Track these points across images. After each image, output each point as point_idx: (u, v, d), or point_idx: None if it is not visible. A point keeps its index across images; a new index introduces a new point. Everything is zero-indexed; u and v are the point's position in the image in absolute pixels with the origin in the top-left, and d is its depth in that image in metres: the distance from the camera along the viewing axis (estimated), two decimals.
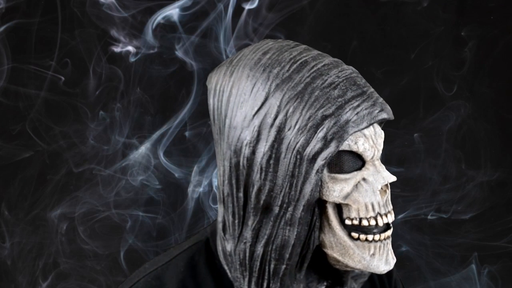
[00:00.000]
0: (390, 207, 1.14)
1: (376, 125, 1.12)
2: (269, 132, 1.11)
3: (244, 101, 1.11)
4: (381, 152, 1.13)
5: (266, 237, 1.13)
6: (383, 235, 1.13)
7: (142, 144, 2.36)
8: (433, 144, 2.34)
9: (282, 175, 1.11)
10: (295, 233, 1.13)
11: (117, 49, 2.31)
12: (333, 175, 1.11)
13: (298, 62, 1.13)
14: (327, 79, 1.11)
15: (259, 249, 1.14)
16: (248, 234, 1.14)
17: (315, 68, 1.12)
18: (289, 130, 1.11)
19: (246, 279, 1.16)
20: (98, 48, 2.32)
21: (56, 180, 2.38)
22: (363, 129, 1.10)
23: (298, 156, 1.10)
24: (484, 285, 2.32)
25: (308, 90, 1.10)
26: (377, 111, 1.10)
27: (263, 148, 1.11)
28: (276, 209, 1.12)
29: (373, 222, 1.12)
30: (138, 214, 2.36)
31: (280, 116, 1.10)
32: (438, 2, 2.32)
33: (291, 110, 1.11)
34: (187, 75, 2.29)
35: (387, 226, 1.14)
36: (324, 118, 1.09)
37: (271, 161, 1.11)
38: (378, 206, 1.12)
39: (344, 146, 1.10)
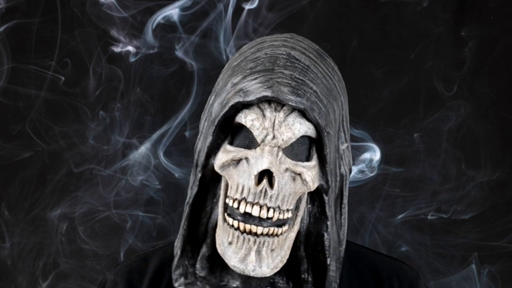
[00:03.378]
0: (267, 202, 1.04)
1: (292, 114, 1.06)
2: (208, 98, 1.16)
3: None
4: (283, 141, 1.05)
5: (188, 196, 1.15)
6: (243, 225, 1.05)
7: (142, 144, 2.36)
8: (433, 144, 2.34)
9: (203, 136, 1.13)
10: (193, 193, 1.12)
11: (117, 49, 2.31)
12: (226, 145, 1.09)
13: (259, 42, 1.15)
14: (256, 54, 1.11)
15: (185, 208, 1.16)
16: (188, 193, 1.15)
17: (260, 46, 1.13)
18: (214, 94, 1.14)
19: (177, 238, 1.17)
20: (98, 48, 2.32)
21: (56, 180, 2.38)
22: (248, 102, 1.05)
23: (210, 118, 1.12)
24: (484, 285, 2.32)
25: (240, 63, 1.12)
26: (264, 87, 1.05)
27: (205, 111, 1.16)
28: (196, 169, 1.13)
29: (235, 205, 1.05)
30: (138, 214, 2.36)
31: (216, 84, 1.16)
32: (438, 2, 2.32)
33: (220, 77, 1.15)
34: (187, 75, 2.29)
35: (257, 221, 1.04)
36: (232, 85, 1.09)
37: (205, 122, 1.14)
38: (247, 191, 1.04)
39: (238, 118, 1.08)
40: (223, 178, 1.10)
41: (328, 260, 1.12)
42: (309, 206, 1.12)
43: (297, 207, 1.09)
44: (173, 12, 2.25)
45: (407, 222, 2.35)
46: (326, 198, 1.11)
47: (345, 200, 1.17)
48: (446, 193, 2.34)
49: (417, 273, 1.29)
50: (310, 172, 1.07)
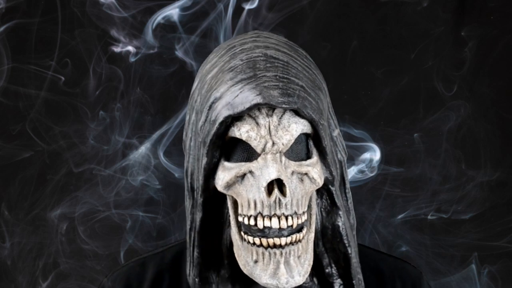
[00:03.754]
0: (284, 211, 1.00)
1: (285, 115, 1.02)
2: (189, 116, 1.11)
3: None
4: (283, 145, 1.02)
5: (189, 221, 1.10)
6: (266, 241, 1.00)
7: (142, 144, 2.36)
8: (433, 144, 2.34)
9: (193, 157, 1.09)
10: (199, 218, 1.07)
11: (117, 49, 2.31)
12: (225, 163, 1.04)
13: (227, 48, 1.09)
14: (231, 63, 1.05)
15: (191, 234, 1.10)
16: (188, 218, 1.11)
17: (231, 52, 1.07)
18: (194, 112, 1.09)
19: (188, 266, 1.12)
20: (98, 48, 2.32)
21: (56, 180, 2.38)
22: (239, 114, 1.01)
23: (199, 139, 1.08)
24: (484, 285, 2.32)
25: (216, 74, 1.06)
26: (254, 95, 1.00)
27: (187, 131, 1.12)
28: (194, 193, 1.09)
29: (252, 222, 1.01)
30: (138, 214, 2.36)
31: (192, 101, 1.10)
32: (438, 2, 2.32)
33: (196, 93, 1.10)
34: (187, 75, 2.29)
35: (278, 232, 1.01)
36: (214, 100, 1.04)
37: (191, 143, 1.11)
38: (261, 205, 1.00)
39: (230, 133, 1.03)
40: (228, 196, 1.06)
41: (349, 250, 1.10)
42: (318, 201, 1.10)
43: (309, 207, 1.07)
44: (173, 12, 2.25)
45: (407, 222, 2.35)
46: (333, 189, 1.09)
47: (348, 185, 1.15)
48: (446, 193, 2.34)
49: (419, 272, 1.28)
50: (315, 169, 1.05)
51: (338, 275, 1.12)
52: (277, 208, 1.00)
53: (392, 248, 2.36)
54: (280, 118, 1.03)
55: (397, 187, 2.33)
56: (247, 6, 2.22)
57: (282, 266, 1.01)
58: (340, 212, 1.10)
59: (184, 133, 1.15)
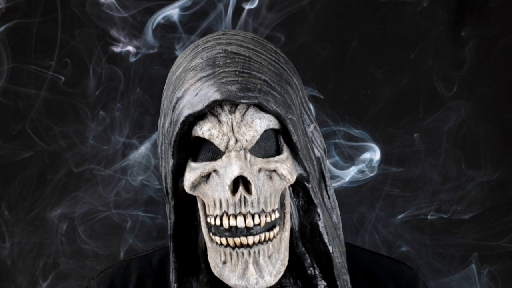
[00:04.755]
0: (250, 209, 0.97)
1: (248, 111, 0.99)
2: (159, 120, 1.11)
3: None
4: (247, 142, 0.99)
5: (168, 226, 1.09)
6: (232, 240, 0.97)
7: (142, 144, 2.36)
8: (433, 144, 2.34)
9: (164, 161, 1.08)
10: (171, 222, 1.05)
11: (117, 49, 2.31)
12: (191, 163, 1.02)
13: (192, 48, 1.07)
14: (192, 62, 1.03)
15: (170, 239, 1.09)
16: (168, 223, 1.10)
17: (194, 52, 1.05)
18: (162, 115, 1.09)
19: (170, 271, 1.10)
20: (98, 48, 2.32)
21: (56, 180, 2.38)
22: (199, 112, 0.99)
23: (166, 141, 1.07)
24: (484, 285, 2.32)
25: (179, 75, 1.04)
26: (212, 91, 0.97)
27: (159, 135, 1.11)
28: (167, 196, 1.07)
29: (218, 222, 0.98)
30: (138, 214, 2.36)
31: (161, 104, 1.10)
32: (438, 2, 2.32)
33: (163, 96, 1.10)
34: None
35: (246, 231, 0.97)
36: (177, 100, 1.02)
37: (162, 147, 1.10)
38: (226, 204, 0.97)
39: (194, 132, 1.01)
40: (198, 198, 1.04)
41: (330, 248, 1.06)
42: (294, 200, 1.06)
43: (282, 205, 1.03)
44: (173, 12, 2.25)
45: (407, 222, 2.35)
46: (309, 185, 1.05)
47: (328, 182, 1.10)
48: (446, 193, 2.34)
49: (415, 274, 1.25)
50: (284, 165, 1.01)
51: (322, 276, 1.08)
52: (243, 206, 0.97)
53: (392, 248, 2.36)
54: (243, 115, 1.00)
55: (397, 187, 2.33)
56: (247, 6, 2.22)
57: (251, 266, 0.97)
58: (319, 210, 1.05)
59: (157, 137, 1.13)
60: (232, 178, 0.97)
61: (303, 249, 1.07)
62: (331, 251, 1.06)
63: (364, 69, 2.36)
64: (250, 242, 0.98)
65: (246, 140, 0.99)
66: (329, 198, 1.11)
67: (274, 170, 1.01)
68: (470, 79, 2.34)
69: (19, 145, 2.37)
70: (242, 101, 0.98)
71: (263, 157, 1.01)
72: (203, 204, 1.04)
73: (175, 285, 1.08)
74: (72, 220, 2.37)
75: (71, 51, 2.33)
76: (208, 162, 1.01)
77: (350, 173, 2.25)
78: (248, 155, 0.99)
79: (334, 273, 1.06)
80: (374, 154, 2.28)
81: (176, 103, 1.03)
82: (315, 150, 1.09)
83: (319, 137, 1.11)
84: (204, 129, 1.00)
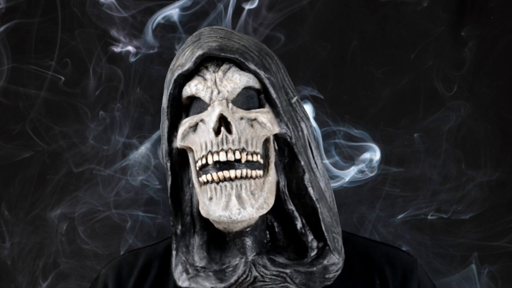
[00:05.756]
0: (231, 146, 1.06)
1: (230, 70, 1.11)
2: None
3: None
4: (228, 92, 1.10)
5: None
6: (216, 175, 1.06)
7: (142, 144, 2.36)
8: (433, 144, 2.34)
9: (162, 130, 1.21)
10: (169, 184, 1.16)
11: (117, 49, 2.31)
12: (182, 120, 1.15)
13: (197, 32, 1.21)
14: (185, 42, 1.18)
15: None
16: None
17: (197, 32, 1.20)
18: (163, 96, 1.22)
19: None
20: (98, 48, 2.32)
21: (56, 180, 2.38)
22: (187, 70, 1.12)
23: (164, 112, 1.20)
24: (484, 285, 2.32)
25: (176, 56, 1.20)
26: (196, 49, 1.11)
27: (161, 118, 1.23)
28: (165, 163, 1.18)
29: (204, 161, 1.07)
30: (138, 214, 2.36)
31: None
32: (438, 2, 2.32)
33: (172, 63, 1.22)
34: None
35: (228, 166, 1.06)
36: (170, 72, 1.17)
37: (162, 125, 1.21)
38: (210, 144, 1.07)
39: (184, 93, 1.14)
40: (189, 154, 1.14)
41: (316, 203, 1.12)
42: (280, 158, 1.14)
43: (267, 156, 1.12)
44: (173, 12, 2.25)
45: (407, 222, 2.35)
46: (292, 142, 1.13)
47: (315, 152, 1.18)
48: (446, 193, 2.34)
49: (413, 260, 1.26)
50: (264, 115, 1.11)
51: (313, 234, 1.14)
52: (225, 143, 1.06)
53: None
54: (225, 73, 1.12)
55: (397, 187, 2.33)
56: (247, 6, 2.22)
57: (233, 198, 1.05)
58: (303, 165, 1.13)
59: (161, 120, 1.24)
60: (215, 119, 1.07)
61: (292, 207, 1.14)
62: (317, 205, 1.13)
63: (364, 69, 2.36)
64: (232, 175, 1.06)
65: (227, 91, 1.11)
66: (316, 166, 1.18)
67: (255, 119, 1.11)
68: (470, 79, 2.34)
69: (19, 145, 2.37)
70: (222, 54, 1.11)
71: (246, 109, 1.13)
72: (194, 157, 1.13)
73: (173, 250, 1.17)
74: (72, 220, 2.37)
75: (71, 51, 2.33)
76: (196, 115, 1.13)
77: (350, 173, 2.25)
78: (230, 104, 1.11)
79: (322, 227, 1.12)
80: (374, 154, 2.28)
81: (170, 74, 1.18)
82: (299, 118, 1.18)
83: (303, 110, 1.21)
84: (192, 86, 1.12)
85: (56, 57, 2.32)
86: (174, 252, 1.18)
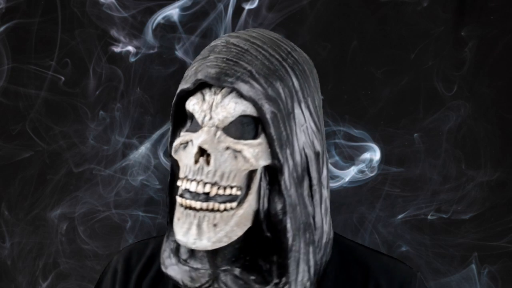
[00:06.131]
0: (203, 178, 1.08)
1: (229, 95, 1.10)
2: None
3: None
4: (219, 121, 1.10)
5: None
6: (184, 201, 1.09)
7: (142, 144, 2.36)
8: (433, 144, 2.34)
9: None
10: (168, 181, 1.19)
11: (117, 49, 2.31)
12: (181, 132, 1.16)
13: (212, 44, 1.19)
14: (205, 50, 1.17)
15: None
16: None
17: (213, 44, 1.18)
18: None
19: None
20: (98, 48, 2.32)
21: (56, 180, 2.38)
22: (188, 88, 1.12)
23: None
24: (484, 285, 2.32)
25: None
26: (200, 68, 1.11)
27: None
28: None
29: (179, 183, 1.10)
30: (138, 214, 2.36)
31: None
32: (438, 2, 2.32)
33: None
34: None
35: (196, 196, 1.09)
36: (183, 78, 1.16)
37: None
38: (188, 169, 1.09)
39: (186, 105, 1.14)
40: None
41: (290, 240, 1.12)
42: (268, 186, 1.14)
43: (249, 186, 1.12)
44: (173, 12, 2.25)
45: (407, 222, 2.35)
46: (280, 176, 1.12)
47: (315, 181, 1.17)
48: (446, 193, 2.34)
49: (413, 273, 1.25)
50: (251, 149, 1.10)
51: (277, 266, 1.14)
52: (199, 174, 1.08)
53: (392, 248, 2.36)
54: (223, 97, 1.10)
55: (397, 187, 2.33)
56: (247, 6, 2.22)
57: (194, 227, 1.08)
58: (286, 202, 1.12)
59: None
60: (196, 148, 1.08)
61: (269, 235, 1.14)
62: (289, 243, 1.12)
63: (364, 69, 2.36)
64: (197, 206, 1.08)
65: (218, 119, 1.10)
66: (312, 198, 1.17)
67: (240, 151, 1.10)
68: (470, 79, 2.34)
69: (19, 145, 2.37)
70: (217, 83, 1.09)
71: (237, 139, 1.11)
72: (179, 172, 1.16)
73: (165, 236, 1.22)
74: (72, 220, 2.37)
75: (71, 51, 2.33)
76: (189, 133, 1.14)
77: (350, 173, 2.25)
78: (219, 132, 1.10)
79: (287, 264, 1.12)
80: (374, 154, 2.28)
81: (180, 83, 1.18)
82: (302, 147, 1.15)
83: (316, 138, 1.17)
84: (191, 103, 1.12)
85: (56, 57, 2.32)
86: (165, 238, 1.22)
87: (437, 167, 2.35)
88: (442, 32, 2.34)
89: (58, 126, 2.36)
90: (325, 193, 1.19)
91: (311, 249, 1.16)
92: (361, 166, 2.28)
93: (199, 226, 1.08)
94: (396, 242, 2.36)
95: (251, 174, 1.12)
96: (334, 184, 2.23)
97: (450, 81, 2.33)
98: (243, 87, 1.09)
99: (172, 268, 1.18)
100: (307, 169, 1.15)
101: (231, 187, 1.10)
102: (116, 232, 2.37)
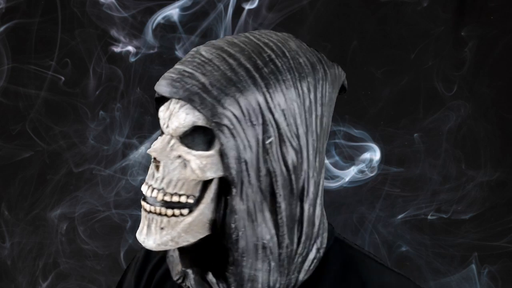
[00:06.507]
0: (153, 183, 1.12)
1: (185, 105, 1.11)
2: None
3: None
4: (172, 130, 1.12)
5: None
6: (142, 202, 1.14)
7: (142, 144, 2.36)
8: (433, 144, 2.34)
9: None
10: None
11: (117, 49, 2.31)
12: (159, 136, 1.19)
13: None
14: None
15: None
16: None
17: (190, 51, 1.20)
18: None
19: None
20: (98, 48, 2.32)
21: (56, 180, 2.38)
22: (156, 96, 1.16)
23: None
24: (484, 285, 2.33)
25: None
26: (158, 82, 1.14)
27: None
28: None
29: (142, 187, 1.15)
30: (138, 214, 2.36)
31: None
32: (438, 2, 2.32)
33: None
34: None
35: (147, 199, 1.13)
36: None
37: None
38: (147, 174, 1.14)
39: None
40: None
41: (239, 255, 1.12)
42: (228, 197, 1.13)
43: (201, 196, 1.13)
44: (173, 12, 2.25)
45: (407, 222, 2.35)
46: (233, 190, 1.11)
47: (280, 198, 1.12)
48: (446, 193, 2.34)
49: None
50: (198, 161, 1.10)
51: (234, 278, 1.16)
52: (151, 179, 1.13)
53: (392, 248, 2.36)
54: (180, 107, 1.12)
55: (397, 187, 2.33)
56: (247, 6, 2.22)
57: (145, 227, 1.14)
58: (237, 217, 1.11)
59: None
60: (150, 154, 1.13)
61: (224, 244, 1.15)
62: (235, 257, 1.13)
63: (364, 69, 2.36)
64: (147, 208, 1.13)
65: (172, 128, 1.12)
66: (276, 215, 1.13)
67: (189, 161, 1.11)
68: (470, 79, 2.34)
69: (19, 145, 2.37)
70: (165, 94, 1.12)
71: (190, 148, 1.12)
72: None
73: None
74: (72, 220, 2.38)
75: (71, 51, 2.33)
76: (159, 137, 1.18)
77: (350, 173, 2.25)
78: (173, 141, 1.12)
79: (226, 275, 1.14)
80: (374, 154, 2.28)
81: None
82: (269, 163, 1.12)
83: (288, 153, 1.13)
84: (159, 110, 1.15)
85: (56, 57, 2.32)
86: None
87: (437, 167, 2.35)
88: (442, 32, 2.34)
89: (58, 126, 2.36)
90: (305, 208, 1.15)
91: (272, 267, 1.15)
92: (361, 166, 2.28)
93: (149, 227, 1.13)
94: (396, 242, 2.36)
95: (206, 184, 1.12)
96: (334, 184, 2.23)
97: (450, 81, 2.33)
98: (192, 100, 1.09)
99: (167, 260, 1.23)
100: (270, 186, 1.12)
101: (179, 195, 1.12)
102: (116, 232, 2.37)
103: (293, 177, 1.13)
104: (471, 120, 2.34)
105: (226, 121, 1.09)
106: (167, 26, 2.28)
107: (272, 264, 1.15)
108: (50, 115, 2.36)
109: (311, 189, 1.15)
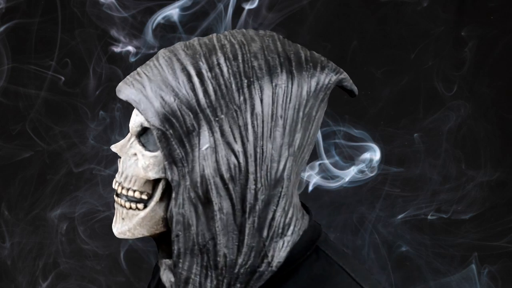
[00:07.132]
0: (117, 177, 1.19)
1: (134, 107, 1.16)
2: None
3: None
4: (131, 129, 1.16)
5: None
6: (115, 197, 1.20)
7: None
8: (433, 144, 2.34)
9: None
10: None
11: (117, 49, 2.31)
12: None
13: None
14: None
15: None
16: None
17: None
18: None
19: None
20: (98, 48, 2.32)
21: (56, 180, 2.38)
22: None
23: None
24: (484, 285, 2.33)
25: None
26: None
27: None
28: None
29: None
30: None
31: None
32: (438, 2, 2.32)
33: None
34: None
35: (116, 192, 1.19)
36: None
37: None
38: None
39: None
40: None
41: (175, 256, 1.14)
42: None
43: (153, 194, 1.17)
44: (173, 12, 2.24)
45: (407, 222, 2.35)
46: (173, 192, 1.13)
47: (216, 207, 1.10)
48: (446, 193, 2.34)
49: None
50: (143, 160, 1.14)
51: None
52: (117, 173, 1.20)
53: (392, 248, 2.36)
54: (134, 108, 1.17)
55: (397, 187, 2.33)
56: (247, 6, 2.22)
57: (115, 216, 1.24)
58: (174, 219, 1.13)
59: None
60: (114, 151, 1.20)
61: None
62: (175, 259, 1.14)
63: (364, 69, 2.36)
64: (115, 198, 1.20)
65: (130, 127, 1.17)
66: (214, 223, 1.11)
67: (138, 160, 1.16)
68: (470, 79, 2.34)
69: (19, 145, 2.37)
70: (117, 94, 1.17)
71: (144, 147, 1.16)
72: None
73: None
74: (72, 220, 2.37)
75: (71, 51, 2.33)
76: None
77: (350, 173, 2.25)
78: (132, 138, 1.17)
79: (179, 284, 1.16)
80: (374, 154, 2.28)
81: None
82: (205, 169, 1.10)
83: (215, 158, 1.11)
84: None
85: (56, 57, 2.32)
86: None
87: (437, 167, 2.35)
88: (442, 32, 2.34)
89: (58, 126, 2.36)
90: (247, 220, 1.11)
91: (210, 274, 1.13)
92: (361, 166, 2.28)
93: (115, 216, 1.23)
94: (396, 242, 2.36)
95: (156, 183, 1.15)
96: (334, 184, 2.23)
97: (450, 81, 2.33)
98: (135, 102, 1.14)
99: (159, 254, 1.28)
100: (207, 192, 1.10)
101: (133, 190, 1.17)
102: None
103: (230, 186, 1.09)
104: (471, 120, 2.33)
105: (162, 125, 1.10)
106: (167, 26, 2.28)
107: (211, 270, 1.13)
108: (50, 115, 2.36)
109: (258, 200, 1.09)
